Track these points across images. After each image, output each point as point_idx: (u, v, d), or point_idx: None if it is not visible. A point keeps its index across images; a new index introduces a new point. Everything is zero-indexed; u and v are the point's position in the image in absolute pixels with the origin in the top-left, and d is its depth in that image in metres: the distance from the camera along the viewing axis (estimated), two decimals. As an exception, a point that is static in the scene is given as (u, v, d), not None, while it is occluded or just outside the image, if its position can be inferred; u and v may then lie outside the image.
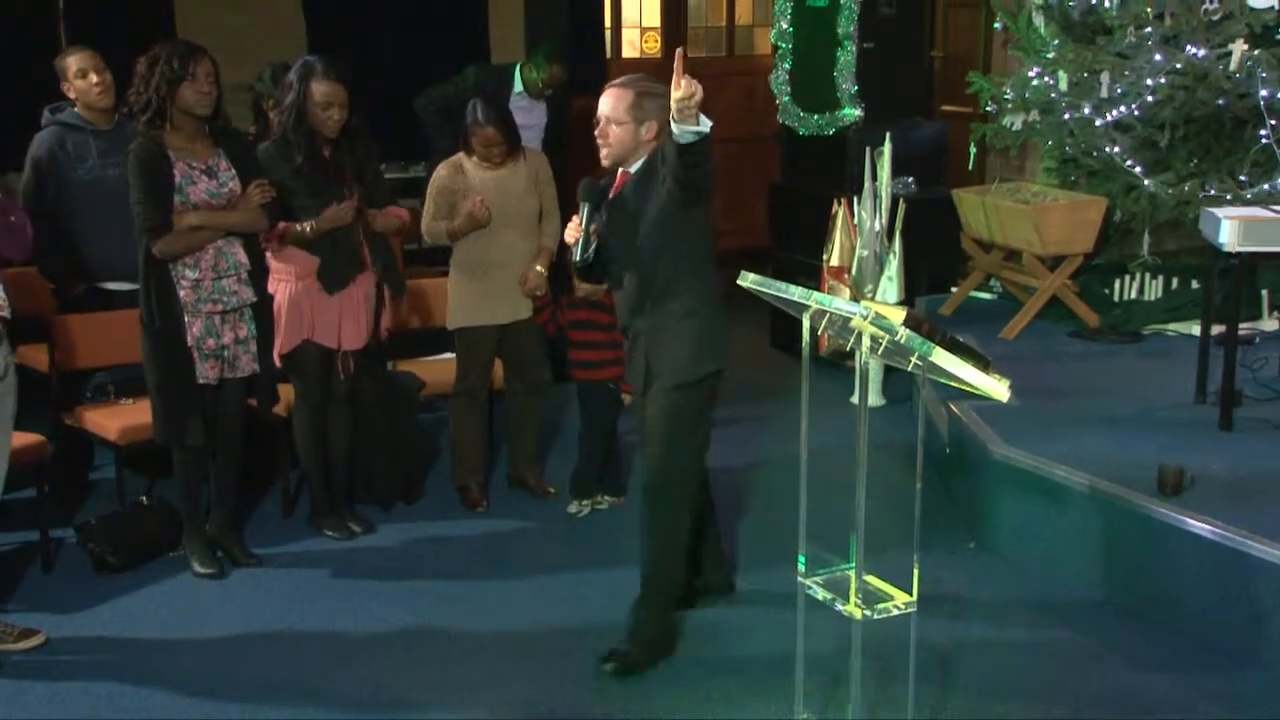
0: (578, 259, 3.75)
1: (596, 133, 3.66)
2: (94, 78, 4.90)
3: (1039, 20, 6.44)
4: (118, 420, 4.70)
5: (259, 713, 3.61)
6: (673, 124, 3.29)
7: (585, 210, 3.71)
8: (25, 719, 3.58)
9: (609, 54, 8.94)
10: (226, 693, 3.70)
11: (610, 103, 3.62)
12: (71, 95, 4.96)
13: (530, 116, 6.52)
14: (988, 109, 6.73)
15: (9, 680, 3.76)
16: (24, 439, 4.26)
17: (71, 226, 4.95)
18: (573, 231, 3.76)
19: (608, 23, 8.96)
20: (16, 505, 4.57)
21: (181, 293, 4.23)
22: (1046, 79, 6.22)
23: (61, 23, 6.71)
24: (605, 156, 3.68)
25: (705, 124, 3.27)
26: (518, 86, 6.57)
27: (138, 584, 4.39)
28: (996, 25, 6.90)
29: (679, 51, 3.21)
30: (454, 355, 5.08)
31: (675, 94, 3.22)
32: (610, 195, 3.74)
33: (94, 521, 4.52)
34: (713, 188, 3.57)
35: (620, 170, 3.71)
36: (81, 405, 4.91)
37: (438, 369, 5.30)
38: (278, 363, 4.60)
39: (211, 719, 3.59)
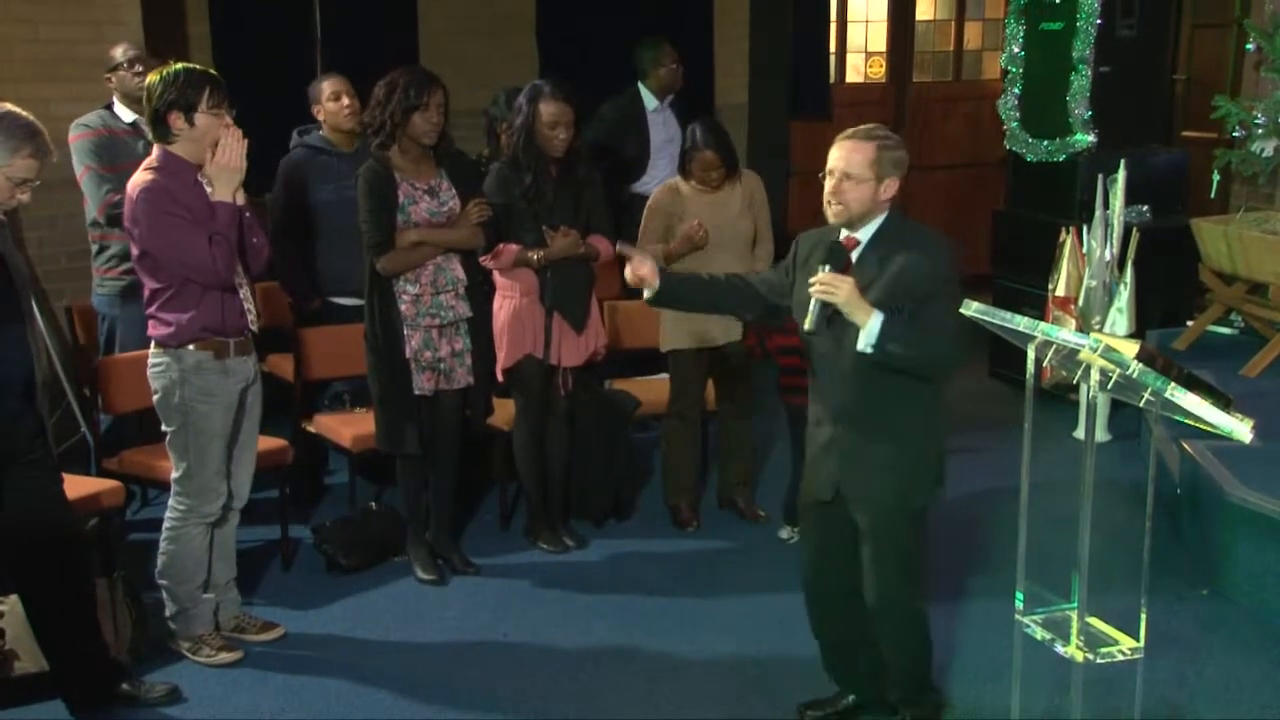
0: (808, 327, 3.30)
1: (829, 189, 3.28)
2: (345, 101, 5.20)
3: (1297, 40, 6.09)
4: (351, 428, 4.95)
5: (473, 715, 3.74)
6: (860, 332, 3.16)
7: (827, 274, 3.25)
8: (265, 706, 3.81)
9: (833, 79, 8.91)
10: (445, 696, 3.85)
11: (846, 156, 3.26)
12: (322, 117, 5.28)
13: (668, 130, 6.48)
14: (1234, 134, 6.40)
15: (252, 669, 4.01)
16: (268, 443, 4.53)
17: (311, 244, 5.25)
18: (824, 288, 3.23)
19: (832, 47, 8.93)
20: (260, 505, 4.86)
21: (402, 307, 4.42)
22: (1303, 102, 5.88)
23: (318, 51, 7.14)
24: (836, 215, 3.30)
25: (872, 327, 3.13)
26: (649, 103, 6.51)
27: (366, 585, 4.61)
28: (1249, 46, 6.55)
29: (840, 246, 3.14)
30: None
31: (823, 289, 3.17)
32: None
33: (328, 524, 4.77)
34: (949, 363, 3.29)
35: (846, 234, 3.33)
36: (318, 413, 5.19)
37: (654, 388, 5.38)
38: (500, 377, 4.76)
39: None
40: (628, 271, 3.42)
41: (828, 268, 3.24)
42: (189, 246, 3.72)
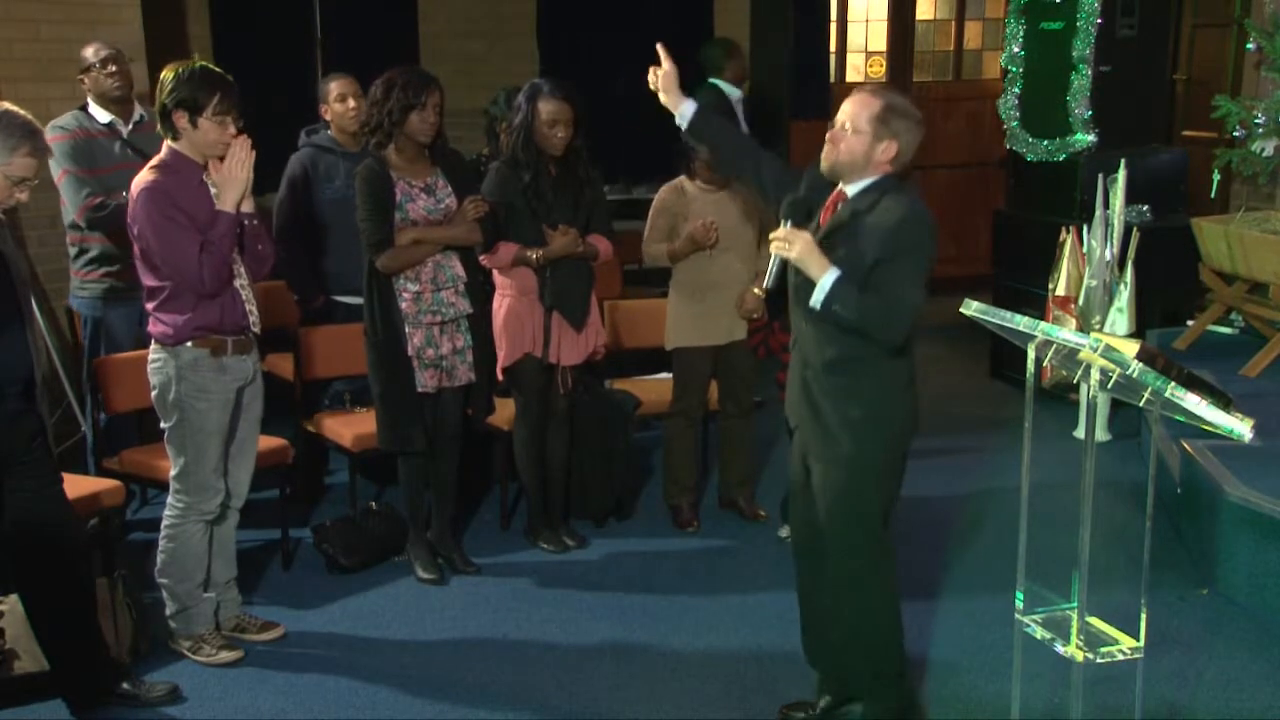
0: (766, 284, 3.40)
1: (828, 135, 3.25)
2: (351, 102, 5.20)
3: (1298, 40, 6.10)
4: (351, 428, 4.94)
5: (475, 715, 3.74)
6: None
7: (786, 229, 3.27)
8: (265, 706, 3.80)
9: (833, 78, 8.91)
10: (446, 695, 3.85)
11: (853, 108, 3.22)
12: (328, 117, 5.28)
13: (745, 120, 6.80)
14: (1235, 134, 6.40)
15: (252, 669, 4.00)
16: (269, 443, 4.54)
17: (316, 242, 5.25)
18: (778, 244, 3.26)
19: (833, 47, 8.94)
20: (261, 505, 4.87)
21: (403, 305, 4.42)
22: (1304, 102, 5.88)
23: (319, 51, 7.15)
24: (825, 159, 3.26)
25: (824, 284, 3.12)
26: (733, 93, 6.76)
27: (366, 585, 4.60)
28: (1250, 46, 6.56)
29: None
30: (671, 375, 5.16)
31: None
32: (822, 221, 3.30)
33: (328, 524, 4.77)
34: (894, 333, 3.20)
35: (838, 188, 3.31)
36: (319, 412, 5.19)
37: (654, 388, 5.38)
38: (500, 376, 4.76)
39: None
40: (651, 77, 3.63)
41: (789, 223, 3.24)
42: (180, 253, 3.72)
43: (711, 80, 6.84)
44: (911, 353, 3.34)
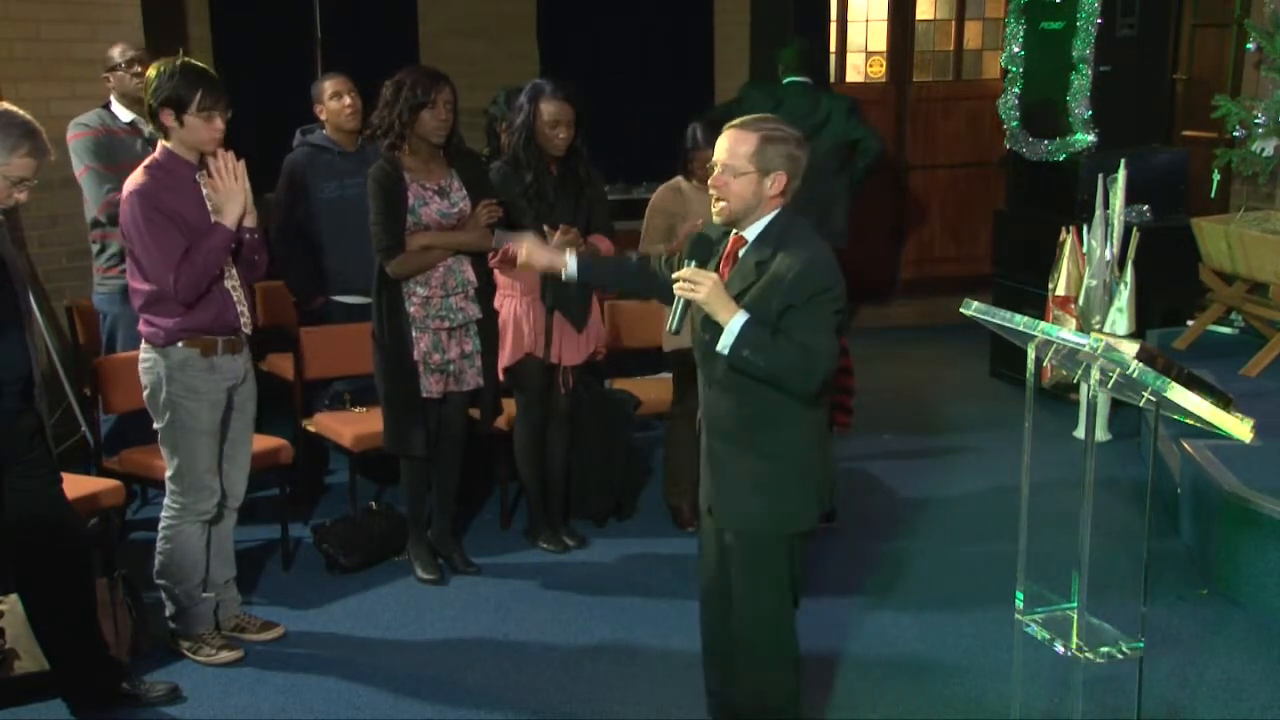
0: (671, 328, 3.17)
1: (711, 181, 3.09)
2: (346, 100, 5.21)
3: (1298, 40, 6.10)
4: (352, 428, 4.94)
5: (475, 715, 3.74)
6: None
7: (691, 269, 3.08)
8: (265, 706, 3.80)
9: (833, 79, 8.90)
10: (446, 695, 3.85)
11: (729, 146, 3.05)
12: (324, 117, 5.29)
13: None
14: (1235, 134, 6.41)
15: (252, 669, 4.01)
16: (268, 443, 4.55)
17: (314, 242, 5.25)
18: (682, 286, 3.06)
19: (832, 47, 8.93)
20: (260, 505, 4.87)
21: (411, 309, 4.41)
22: (1303, 102, 5.89)
23: (318, 51, 7.15)
24: (719, 212, 3.09)
25: (732, 328, 2.94)
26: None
27: (366, 585, 4.60)
28: (1249, 46, 6.56)
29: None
30: (671, 375, 5.15)
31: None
32: (723, 270, 3.12)
33: (328, 524, 4.77)
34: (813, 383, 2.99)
35: (734, 233, 3.13)
36: (319, 412, 5.19)
37: (655, 388, 5.38)
38: (501, 376, 4.76)
39: None
40: (522, 253, 3.44)
41: (693, 263, 3.09)
42: (155, 258, 3.71)
43: (792, 78, 6.91)
44: (824, 406, 3.19)
